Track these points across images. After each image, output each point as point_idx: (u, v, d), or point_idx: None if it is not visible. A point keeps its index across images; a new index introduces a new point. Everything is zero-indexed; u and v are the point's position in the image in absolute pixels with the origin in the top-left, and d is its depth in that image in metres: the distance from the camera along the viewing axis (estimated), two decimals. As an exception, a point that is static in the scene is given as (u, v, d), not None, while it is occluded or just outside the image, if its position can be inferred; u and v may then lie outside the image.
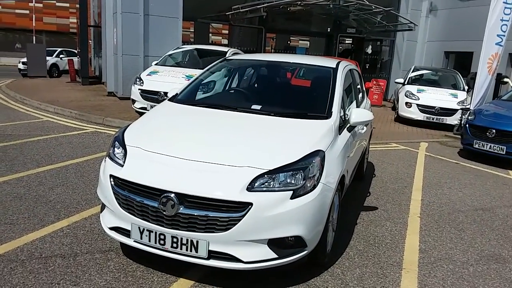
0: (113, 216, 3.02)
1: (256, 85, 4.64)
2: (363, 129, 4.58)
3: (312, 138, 3.20)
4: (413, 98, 11.18)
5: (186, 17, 12.77)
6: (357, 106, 4.66)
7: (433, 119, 10.90)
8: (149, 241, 2.82)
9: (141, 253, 2.96)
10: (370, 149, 7.87)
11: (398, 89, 12.64)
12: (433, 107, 10.87)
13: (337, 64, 4.32)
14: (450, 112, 10.76)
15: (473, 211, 4.96)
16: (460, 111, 10.41)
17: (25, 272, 2.96)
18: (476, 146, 7.43)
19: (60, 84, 16.01)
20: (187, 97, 4.04)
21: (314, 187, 2.88)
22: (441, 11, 15.81)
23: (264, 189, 2.76)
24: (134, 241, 2.90)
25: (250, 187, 2.73)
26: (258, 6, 11.84)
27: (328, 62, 4.43)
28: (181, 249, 2.75)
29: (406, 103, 11.23)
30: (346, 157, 3.60)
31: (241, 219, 2.66)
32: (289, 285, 3.02)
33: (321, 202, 2.93)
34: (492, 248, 3.96)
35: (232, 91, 4.59)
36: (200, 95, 4.26)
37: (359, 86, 5.32)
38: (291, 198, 2.77)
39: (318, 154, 3.03)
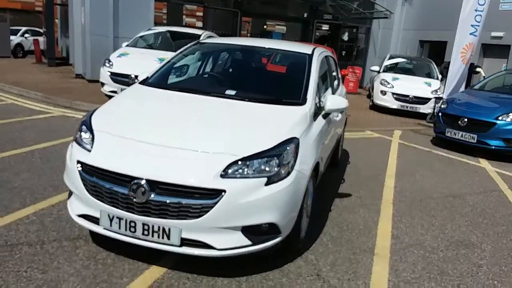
0: (81, 203, 2.90)
1: (230, 69, 4.54)
2: (337, 116, 4.57)
3: (287, 125, 3.15)
4: (388, 86, 11.29)
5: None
6: (333, 93, 4.64)
7: (407, 107, 11.06)
8: (119, 228, 2.73)
9: (111, 241, 2.86)
10: (345, 136, 7.94)
11: (373, 77, 12.75)
12: (407, 96, 11.02)
13: (313, 51, 4.27)
14: (424, 100, 10.93)
15: (444, 198, 5.07)
16: (433, 99, 10.58)
17: (-12, 260, 2.83)
18: (448, 134, 7.58)
19: (26, 65, 15.36)
20: (158, 81, 3.91)
21: (288, 174, 2.85)
22: (416, 0, 15.97)
23: (238, 176, 2.71)
24: (104, 228, 2.81)
25: (224, 174, 2.67)
26: (234, -12, 11.62)
27: (304, 48, 4.38)
28: (152, 236, 2.68)
29: (381, 91, 11.34)
30: (321, 144, 3.58)
31: (214, 206, 2.61)
32: (262, 271, 2.99)
33: (295, 189, 2.90)
34: (461, 234, 4.05)
35: (206, 76, 4.49)
36: (172, 79, 4.14)
37: (334, 73, 5.30)
38: (265, 185, 2.73)
39: (293, 141, 2.99)
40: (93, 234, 3.21)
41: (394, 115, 11.13)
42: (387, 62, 12.56)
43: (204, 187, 2.61)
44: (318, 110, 3.74)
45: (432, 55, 15.01)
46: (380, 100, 11.34)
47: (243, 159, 2.74)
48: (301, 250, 3.34)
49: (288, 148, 2.92)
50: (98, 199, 2.77)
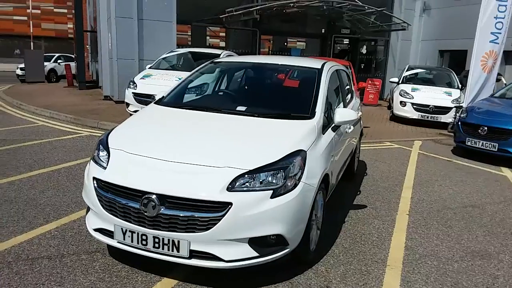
0: (97, 218, 3.05)
1: (242, 87, 4.68)
2: (350, 128, 4.61)
3: (294, 138, 3.23)
4: (408, 97, 11.22)
5: (181, 20, 12.84)
6: (345, 106, 4.69)
7: (427, 117, 10.94)
8: (132, 241, 2.86)
9: (127, 254, 2.99)
10: (363, 148, 7.92)
11: (393, 88, 12.68)
12: (427, 106, 10.91)
13: (323, 65, 4.36)
14: (445, 110, 10.79)
15: (462, 208, 4.99)
16: (454, 109, 10.45)
17: (11, 273, 3.00)
18: (469, 143, 7.45)
19: (58, 89, 16.08)
20: (172, 100, 4.08)
21: (295, 186, 2.91)
22: (434, 10, 15.87)
23: (245, 189, 2.80)
24: (118, 242, 2.93)
25: (231, 187, 2.76)
26: (251, 9, 11.89)
27: (314, 63, 4.47)
28: (163, 249, 2.79)
29: (401, 102, 11.27)
30: (331, 156, 3.63)
31: (221, 219, 2.69)
32: (272, 283, 3.05)
33: (302, 201, 2.96)
34: (478, 245, 3.99)
35: (218, 93, 4.63)
36: (186, 98, 4.29)
37: (348, 87, 5.35)
38: (271, 197, 2.80)
39: (300, 153, 3.07)
40: (111, 248, 3.36)
41: (415, 125, 11.03)
42: (406, 73, 12.49)
43: (211, 200, 2.70)
44: (327, 123, 3.81)
45: (453, 64, 14.80)
46: (400, 111, 11.26)
47: (249, 172, 2.83)
48: (311, 262, 3.37)
49: (294, 160, 2.99)
50: (112, 214, 2.91)
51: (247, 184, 2.81)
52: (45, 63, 21.24)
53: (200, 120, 3.62)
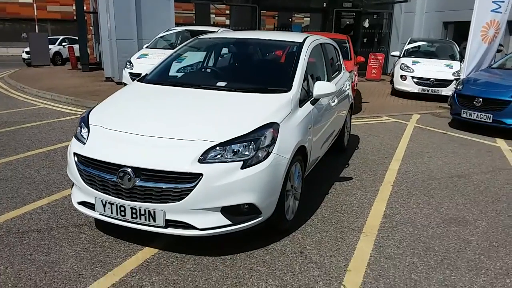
0: (80, 192, 3.20)
1: (224, 62, 4.74)
2: (334, 101, 4.67)
3: (268, 111, 3.31)
4: (408, 70, 11.13)
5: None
6: (329, 80, 4.73)
7: (428, 91, 10.86)
8: (112, 213, 3.01)
9: (113, 226, 3.16)
10: (359, 123, 7.98)
11: (395, 62, 12.56)
12: (428, 79, 10.82)
13: (304, 39, 4.38)
14: (445, 83, 10.69)
15: (448, 178, 5.05)
16: (454, 81, 10.34)
17: (1, 245, 3.18)
18: (464, 115, 7.44)
19: (62, 71, 16.25)
20: (155, 78, 4.17)
21: (266, 157, 3.02)
22: (439, -20, 15.49)
23: (217, 160, 2.91)
24: (99, 214, 3.09)
25: (202, 159, 2.87)
26: (249, -16, 11.78)
27: (296, 38, 4.49)
28: (140, 219, 2.93)
29: (401, 76, 11.18)
30: (308, 129, 3.70)
31: (193, 189, 2.82)
32: (248, 250, 3.19)
33: (274, 171, 3.06)
34: (457, 212, 4.07)
35: (201, 70, 4.70)
36: (169, 75, 4.37)
37: (333, 60, 5.37)
38: (242, 167, 2.91)
39: (272, 126, 3.16)
40: (98, 221, 3.52)
41: (415, 99, 10.97)
42: (408, 46, 12.34)
43: (182, 172, 2.83)
44: (306, 97, 3.87)
45: (458, 36, 14.53)
46: (401, 85, 11.19)
47: (221, 144, 2.94)
48: (289, 230, 3.50)
49: (266, 132, 3.09)
50: (92, 187, 3.06)
51: (218, 156, 2.92)
52: (50, 46, 21.39)
53: (178, 96, 3.72)
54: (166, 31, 10.71)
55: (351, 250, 3.27)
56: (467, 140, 6.98)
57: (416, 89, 10.93)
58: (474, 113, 7.21)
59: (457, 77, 10.32)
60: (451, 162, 5.71)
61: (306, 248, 3.26)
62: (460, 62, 11.07)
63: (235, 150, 2.97)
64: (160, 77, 4.22)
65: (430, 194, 4.51)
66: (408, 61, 11.42)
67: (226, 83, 3.91)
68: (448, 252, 3.30)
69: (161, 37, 10.43)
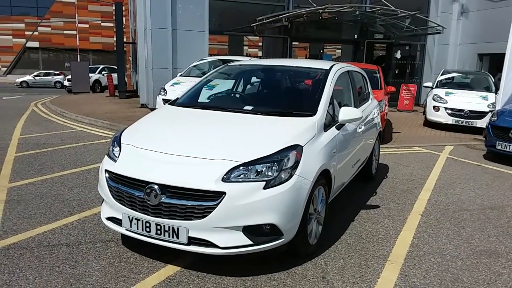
0: (109, 208, 3.32)
1: (252, 88, 4.87)
2: (360, 128, 4.67)
3: (291, 134, 3.36)
4: (441, 101, 10.96)
5: (215, 30, 13.26)
6: (355, 106, 4.75)
7: (462, 122, 10.62)
8: (137, 229, 3.09)
9: (138, 243, 3.24)
10: (388, 153, 7.87)
11: (428, 93, 12.42)
12: (462, 110, 10.61)
13: (331, 66, 4.46)
14: (480, 114, 10.45)
15: (480, 209, 4.88)
16: (490, 113, 10.08)
17: (32, 257, 3.31)
18: (499, 147, 7.22)
19: (100, 98, 16.99)
20: (185, 101, 4.32)
21: (289, 178, 3.04)
22: (473, 13, 15.39)
23: (240, 180, 2.96)
24: (126, 229, 3.18)
25: (226, 178, 2.94)
26: (280, 16, 12.10)
27: (323, 65, 4.57)
28: (164, 235, 3.00)
29: (434, 106, 11.02)
30: (333, 153, 3.71)
31: (215, 207, 2.87)
32: (270, 272, 3.17)
33: (296, 193, 3.07)
34: (489, 244, 3.91)
35: (230, 95, 4.84)
36: (199, 99, 4.52)
37: (362, 88, 5.40)
38: (264, 188, 2.95)
39: (296, 148, 3.20)
40: (124, 237, 3.62)
41: (449, 131, 10.74)
42: (441, 77, 12.20)
43: (206, 190, 2.89)
44: (332, 122, 3.90)
45: (493, 68, 14.26)
46: (433, 116, 11.01)
47: (244, 164, 3.00)
48: (312, 255, 3.46)
49: (289, 154, 3.13)
50: (120, 203, 3.17)
51: (242, 175, 2.98)
52: (90, 75, 22.52)
53: (206, 118, 3.84)
54: (200, 60, 11.11)
55: (375, 278, 3.19)
56: (501, 172, 6.74)
57: (449, 120, 10.72)
58: (509, 145, 6.99)
59: (492, 108, 10.08)
60: (484, 194, 5.52)
61: (329, 274, 3.21)
62: (496, 94, 10.83)
63: (259, 171, 3.02)
64: (190, 100, 4.37)
65: (460, 225, 4.36)
66: (441, 92, 11.27)
67: (252, 107, 4.00)
68: (477, 284, 3.16)
69: (194, 66, 10.82)
